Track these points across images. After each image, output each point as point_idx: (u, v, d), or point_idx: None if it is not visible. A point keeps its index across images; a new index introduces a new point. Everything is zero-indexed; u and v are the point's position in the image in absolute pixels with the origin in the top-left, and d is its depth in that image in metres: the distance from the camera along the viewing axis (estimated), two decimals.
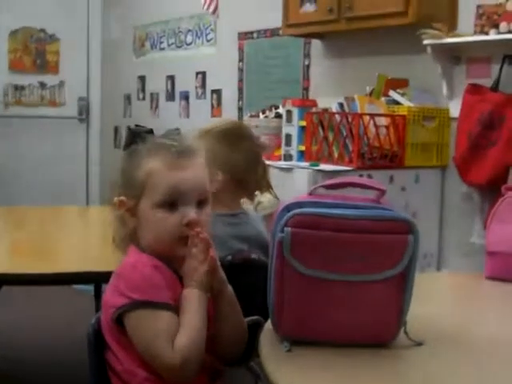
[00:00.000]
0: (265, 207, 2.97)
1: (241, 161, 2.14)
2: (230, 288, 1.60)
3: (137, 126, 1.47)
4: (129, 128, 1.55)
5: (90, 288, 4.05)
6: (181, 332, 1.45)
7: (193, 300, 1.49)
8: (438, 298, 2.13)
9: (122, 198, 1.55)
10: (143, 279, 1.47)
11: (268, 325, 1.59)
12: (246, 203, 2.86)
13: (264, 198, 2.90)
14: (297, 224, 1.43)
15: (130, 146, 1.58)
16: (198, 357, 1.45)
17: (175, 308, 1.48)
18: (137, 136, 1.57)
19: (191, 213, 1.50)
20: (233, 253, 2.03)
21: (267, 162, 3.64)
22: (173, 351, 1.42)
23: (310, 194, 1.52)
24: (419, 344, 1.52)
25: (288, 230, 1.43)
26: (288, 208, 1.47)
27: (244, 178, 2.17)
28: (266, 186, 2.79)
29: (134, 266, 1.49)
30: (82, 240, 3.19)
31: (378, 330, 1.51)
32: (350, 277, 1.45)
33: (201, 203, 1.53)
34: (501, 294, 2.08)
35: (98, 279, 2.61)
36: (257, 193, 2.83)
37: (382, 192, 1.50)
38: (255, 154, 2.23)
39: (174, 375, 1.45)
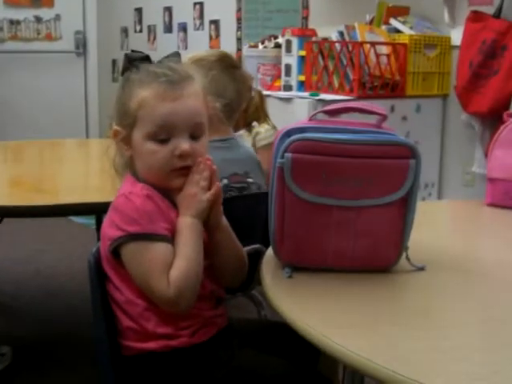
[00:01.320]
0: (263, 137, 2.96)
1: (234, 88, 2.15)
2: (224, 219, 1.60)
3: (133, 51, 1.43)
4: (126, 54, 1.51)
5: (92, 222, 4.06)
6: (175, 263, 1.44)
7: (188, 229, 1.48)
8: (438, 224, 2.14)
9: (117, 127, 1.53)
10: (137, 211, 1.45)
11: (270, 252, 1.59)
12: (244, 135, 2.87)
13: (261, 128, 2.89)
14: (297, 149, 1.42)
15: (125, 71, 1.55)
16: (193, 287, 1.45)
17: (170, 238, 1.47)
18: (132, 62, 1.53)
19: (184, 144, 1.47)
20: (227, 176, 2.03)
21: (266, 92, 3.64)
22: (167, 283, 1.42)
23: (310, 119, 1.51)
24: (421, 269, 1.53)
25: (289, 155, 1.42)
26: (288, 133, 1.45)
27: (236, 105, 2.18)
28: (264, 117, 2.79)
29: (128, 198, 1.47)
30: (82, 172, 3.18)
31: (380, 256, 1.51)
32: (351, 202, 1.45)
33: (195, 134, 1.50)
34: (501, 221, 2.08)
35: (98, 210, 2.60)
36: (254, 124, 2.84)
37: (383, 117, 1.48)
38: (246, 82, 2.24)
39: (169, 306, 1.45)
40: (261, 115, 2.90)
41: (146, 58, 1.53)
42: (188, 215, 1.49)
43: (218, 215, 1.55)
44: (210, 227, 1.54)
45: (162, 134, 1.47)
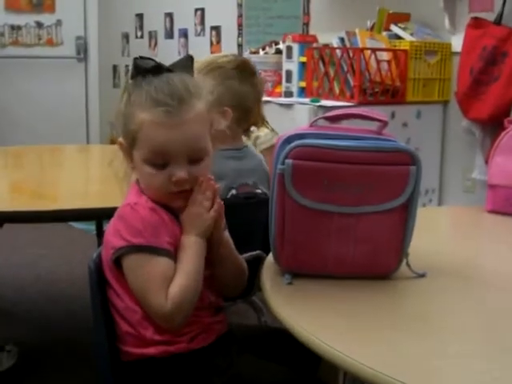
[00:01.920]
0: (263, 141, 2.97)
1: (253, 96, 2.12)
2: (226, 232, 1.60)
3: (142, 58, 1.40)
4: (135, 60, 1.48)
5: (92, 228, 4.06)
6: (176, 280, 1.44)
7: (192, 248, 1.48)
8: (439, 231, 2.14)
9: (121, 140, 1.53)
10: (142, 222, 1.45)
11: (270, 258, 1.59)
12: (245, 140, 2.86)
13: (261, 132, 2.89)
14: (298, 156, 1.42)
15: (133, 78, 1.51)
16: (190, 306, 1.45)
17: (173, 253, 1.47)
18: (140, 72, 1.49)
19: (179, 172, 1.46)
20: (236, 186, 2.02)
21: (267, 98, 3.64)
22: (165, 298, 1.42)
23: (311, 125, 1.51)
24: (421, 275, 1.53)
25: (289, 162, 1.42)
26: (289, 140, 1.45)
27: (251, 112, 2.15)
28: (262, 121, 2.79)
29: (133, 208, 1.47)
30: (83, 178, 3.18)
31: (380, 262, 1.51)
32: (351, 208, 1.45)
33: (194, 158, 1.48)
34: (502, 227, 2.08)
35: (98, 216, 2.60)
36: (253, 128, 2.84)
37: (384, 123, 1.48)
38: (262, 88, 2.22)
39: (164, 321, 1.45)
40: (258, 119, 2.89)
41: (156, 68, 1.49)
42: (193, 234, 1.49)
43: (220, 231, 1.55)
44: (212, 242, 1.54)
45: (159, 161, 1.46)
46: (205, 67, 2.06)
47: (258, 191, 2.07)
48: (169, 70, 1.50)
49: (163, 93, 1.46)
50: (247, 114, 2.10)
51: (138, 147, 1.48)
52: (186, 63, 1.55)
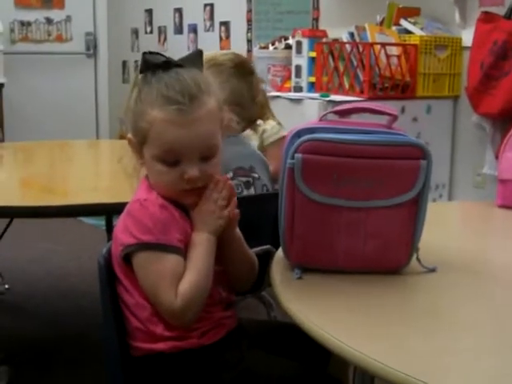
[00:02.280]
0: (270, 135, 2.97)
1: (250, 95, 2.14)
2: (237, 229, 1.59)
3: (151, 53, 1.38)
4: (144, 55, 1.46)
5: (102, 223, 4.07)
6: (186, 277, 1.44)
7: (203, 245, 1.47)
8: (449, 226, 2.13)
9: (130, 136, 1.52)
10: (151, 219, 1.44)
11: (280, 253, 1.59)
12: (250, 134, 2.88)
13: (267, 125, 2.90)
14: (308, 150, 1.41)
15: (142, 73, 1.49)
16: (200, 303, 1.45)
17: (183, 250, 1.46)
18: (149, 67, 1.48)
19: (191, 170, 1.45)
20: (232, 169, 2.03)
21: (276, 93, 3.64)
22: (175, 295, 1.42)
23: (321, 120, 1.50)
24: (432, 270, 1.52)
25: (299, 156, 1.41)
26: (299, 134, 1.45)
27: (249, 110, 2.17)
28: (268, 114, 2.79)
29: (143, 205, 1.47)
30: (92, 173, 3.19)
31: (390, 257, 1.50)
32: (361, 203, 1.44)
33: (206, 156, 1.47)
34: None
35: (108, 211, 2.60)
36: (260, 122, 2.85)
37: (394, 117, 1.48)
38: (260, 87, 2.25)
39: (174, 318, 1.45)
40: (266, 112, 2.90)
41: (164, 65, 1.48)
42: (205, 231, 1.48)
43: (233, 229, 1.55)
44: (224, 240, 1.54)
45: (170, 158, 1.45)
46: (205, 63, 2.07)
47: (255, 175, 2.08)
48: (178, 65, 1.49)
49: (174, 90, 1.44)
50: (241, 111, 2.11)
51: (149, 144, 1.47)
52: (196, 58, 1.53)
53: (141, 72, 1.51)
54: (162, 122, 1.44)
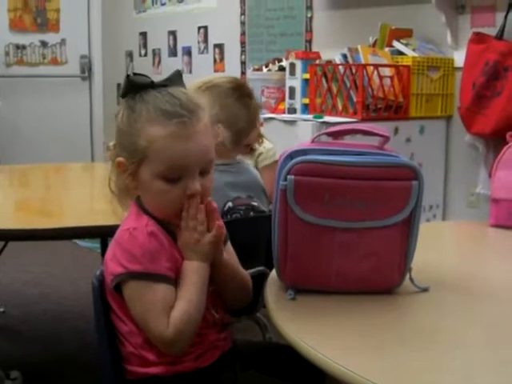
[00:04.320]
0: (265, 157, 2.99)
1: (246, 118, 2.14)
2: (229, 248, 1.59)
3: (135, 74, 1.37)
4: (127, 77, 1.45)
5: (97, 245, 4.07)
6: (178, 305, 1.43)
7: (194, 273, 1.46)
8: (442, 245, 2.14)
9: (121, 159, 1.50)
10: (139, 248, 1.43)
11: (273, 274, 1.59)
12: (247, 159, 2.90)
13: (262, 148, 2.92)
14: (300, 172, 1.42)
15: (126, 95, 1.48)
16: (192, 332, 1.44)
17: (172, 279, 1.45)
18: (135, 88, 1.48)
19: (193, 185, 1.45)
20: (231, 199, 2.03)
21: (270, 115, 3.66)
22: (166, 324, 1.41)
23: (313, 141, 1.51)
24: (424, 290, 1.53)
25: (291, 177, 1.43)
26: (291, 155, 1.46)
27: (245, 134, 2.17)
28: (260, 138, 2.82)
29: (131, 234, 1.45)
30: (87, 195, 3.19)
31: (383, 277, 1.51)
32: (354, 224, 1.45)
33: (205, 170, 1.48)
34: (505, 241, 2.08)
35: (102, 233, 2.60)
36: (256, 146, 2.87)
37: (386, 138, 1.49)
38: (258, 113, 2.24)
39: (166, 347, 1.44)
40: (254, 141, 2.92)
41: (151, 85, 1.48)
42: (194, 259, 1.47)
43: (219, 254, 1.52)
44: (213, 266, 1.52)
45: (174, 174, 1.44)
46: (203, 84, 2.09)
47: (254, 203, 2.08)
48: (163, 85, 1.49)
49: (173, 104, 1.44)
50: (239, 135, 2.11)
51: (149, 163, 1.45)
52: (176, 78, 1.52)
53: (126, 93, 1.49)
54: (165, 137, 1.42)
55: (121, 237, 1.47)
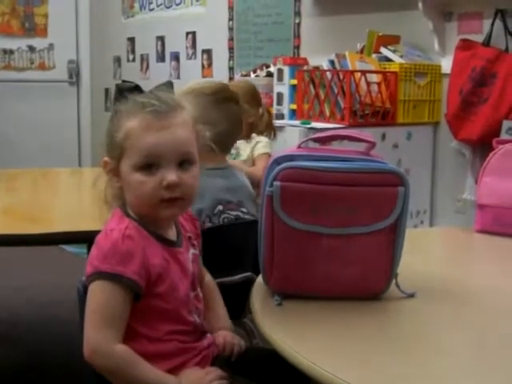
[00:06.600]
0: (264, 145, 3.18)
1: (226, 121, 2.14)
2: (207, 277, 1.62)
3: (124, 81, 1.39)
4: (116, 85, 1.49)
5: (84, 251, 4.04)
6: (137, 360, 1.42)
7: (169, 378, 1.44)
8: (428, 251, 2.14)
9: (106, 158, 1.52)
10: (111, 249, 1.43)
11: (260, 280, 1.59)
12: (242, 143, 3.09)
13: (263, 138, 3.10)
14: (286, 178, 1.43)
15: (116, 102, 1.54)
16: (104, 369, 1.43)
17: (137, 283, 1.43)
18: (122, 93, 1.52)
19: (170, 175, 1.45)
20: (222, 203, 2.04)
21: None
22: (105, 338, 1.40)
23: (299, 147, 1.52)
24: (411, 295, 1.53)
25: (277, 184, 1.43)
26: (277, 161, 1.46)
27: (228, 137, 2.17)
28: (274, 132, 2.99)
29: (107, 235, 1.45)
30: (75, 200, 3.18)
31: (369, 283, 1.51)
32: (340, 230, 1.45)
33: (184, 164, 1.48)
34: (490, 247, 2.09)
35: (89, 239, 2.59)
36: (253, 135, 2.98)
37: (372, 144, 1.50)
38: (240, 117, 2.24)
39: (88, 353, 1.42)
40: (271, 131, 3.21)
41: (136, 88, 1.53)
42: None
43: None
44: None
45: (149, 165, 1.45)
46: (187, 89, 2.11)
47: (244, 210, 2.08)
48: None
49: (149, 98, 1.49)
50: (221, 138, 2.11)
51: (127, 156, 1.47)
52: (167, 86, 1.57)
53: (116, 100, 1.54)
54: (139, 128, 1.45)
55: (98, 238, 1.48)
